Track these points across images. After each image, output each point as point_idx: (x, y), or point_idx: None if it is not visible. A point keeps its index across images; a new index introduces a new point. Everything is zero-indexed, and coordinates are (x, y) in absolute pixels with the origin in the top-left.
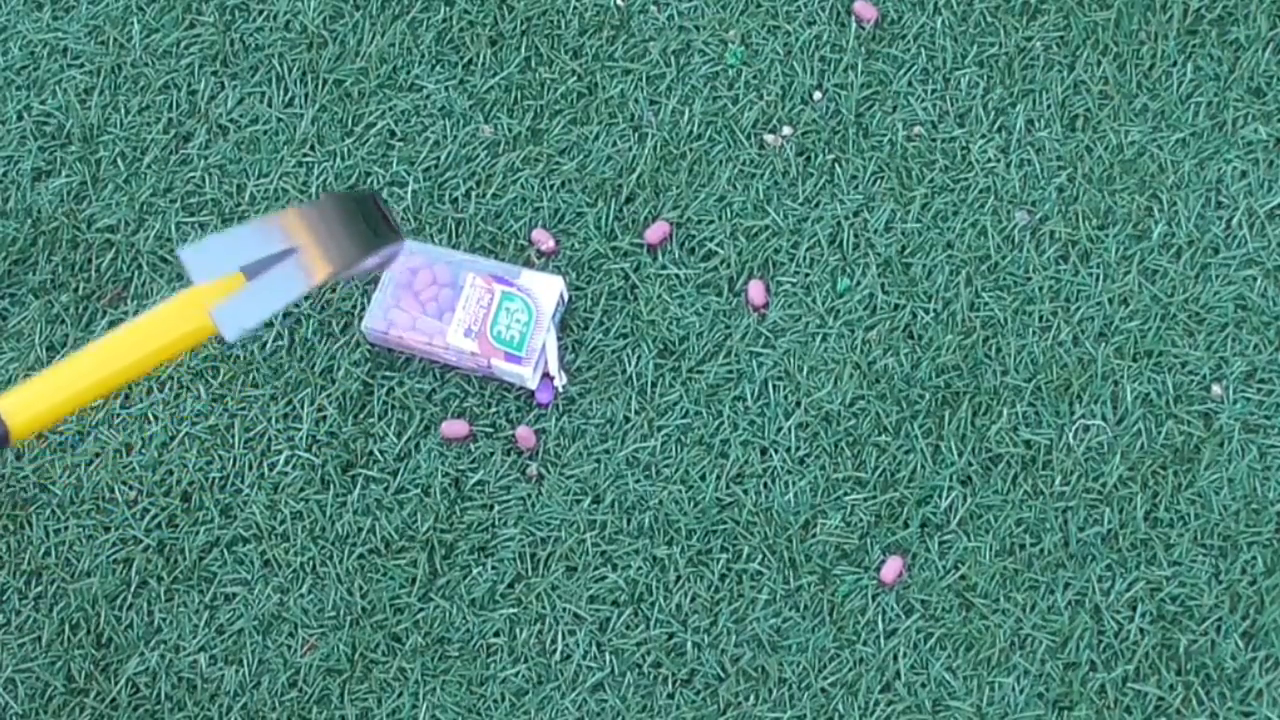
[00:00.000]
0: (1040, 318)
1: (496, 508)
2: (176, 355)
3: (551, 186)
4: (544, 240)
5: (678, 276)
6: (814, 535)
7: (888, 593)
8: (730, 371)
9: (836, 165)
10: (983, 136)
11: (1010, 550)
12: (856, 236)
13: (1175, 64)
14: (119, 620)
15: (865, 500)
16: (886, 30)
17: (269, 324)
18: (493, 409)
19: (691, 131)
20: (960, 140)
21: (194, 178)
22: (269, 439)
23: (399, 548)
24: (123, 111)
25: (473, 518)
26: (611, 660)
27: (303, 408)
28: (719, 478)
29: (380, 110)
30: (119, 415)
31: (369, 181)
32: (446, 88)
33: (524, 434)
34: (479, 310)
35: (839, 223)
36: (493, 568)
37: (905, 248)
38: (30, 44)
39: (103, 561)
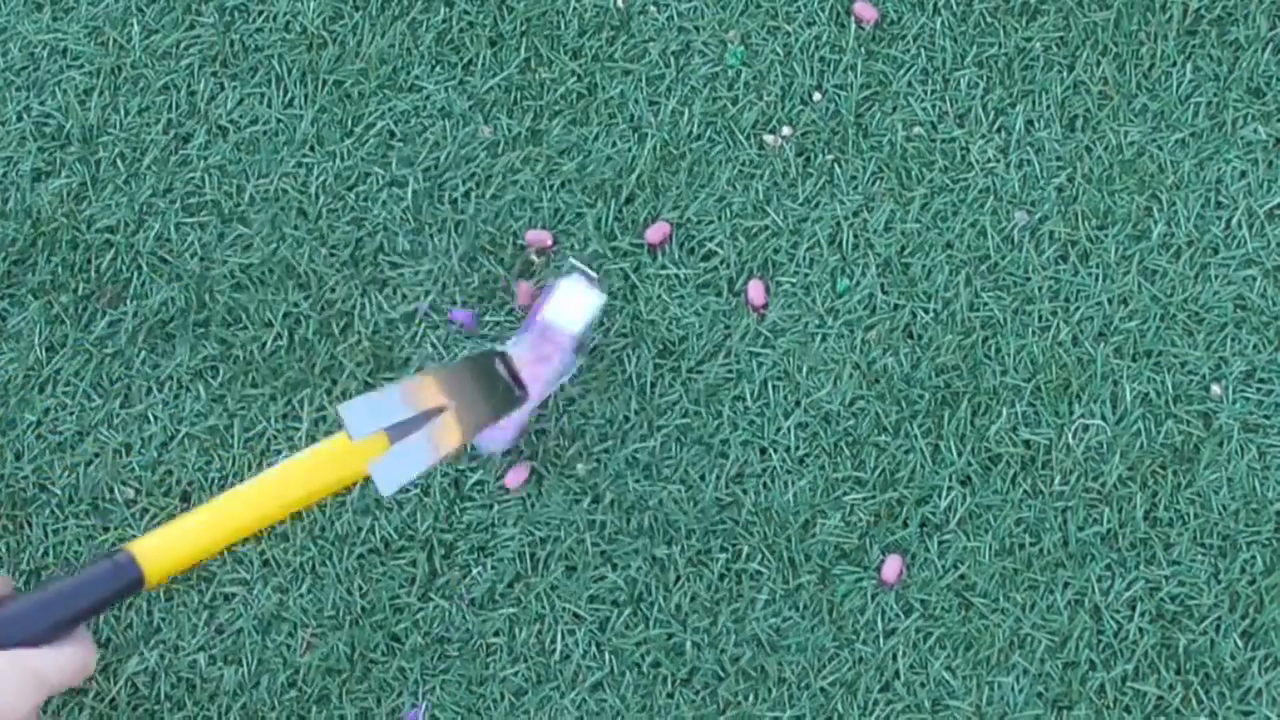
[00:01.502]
0: (1040, 318)
1: (496, 507)
2: (319, 500)
3: (551, 187)
4: (541, 240)
5: (677, 276)
6: (813, 535)
7: (887, 592)
8: (730, 371)
9: (836, 165)
10: (982, 137)
11: (1010, 550)
12: (856, 237)
13: (1175, 64)
14: (118, 620)
15: (865, 500)
16: (886, 31)
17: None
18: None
19: (691, 132)
20: (960, 140)
21: (194, 178)
22: (269, 439)
23: (398, 547)
24: (122, 112)
25: (472, 517)
26: (611, 660)
27: (302, 408)
28: (718, 477)
29: (380, 111)
30: (118, 415)
31: (369, 181)
32: (446, 88)
33: (514, 476)
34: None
35: (838, 223)
36: (492, 567)
37: (905, 248)
38: (30, 45)
39: None
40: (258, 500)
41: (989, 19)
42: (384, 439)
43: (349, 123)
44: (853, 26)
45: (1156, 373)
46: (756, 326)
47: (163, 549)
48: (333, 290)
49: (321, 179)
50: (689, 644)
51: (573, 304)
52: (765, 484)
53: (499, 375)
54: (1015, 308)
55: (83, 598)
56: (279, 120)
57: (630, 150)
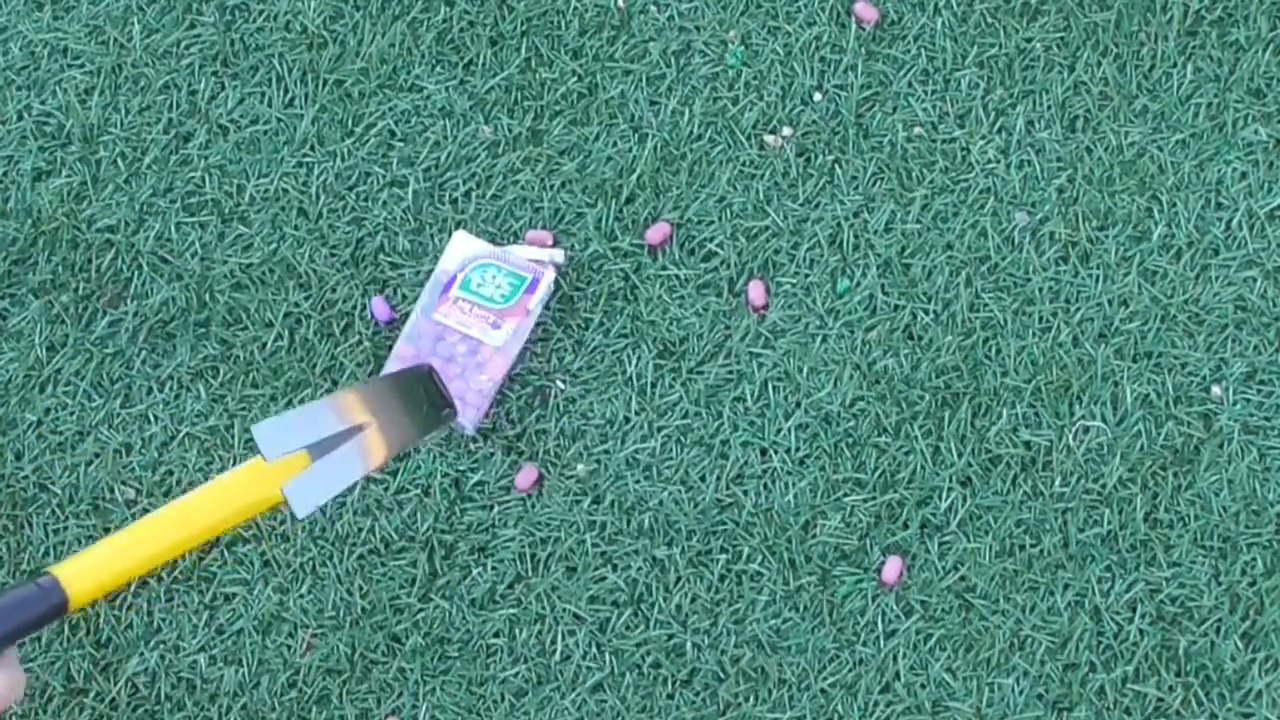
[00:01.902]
0: (1040, 319)
1: (496, 508)
2: (241, 523)
3: (551, 187)
4: (542, 240)
5: (678, 277)
6: (814, 536)
7: (887, 593)
8: (730, 372)
9: (836, 166)
10: (983, 137)
11: (1010, 551)
12: (856, 237)
13: (1175, 65)
14: (119, 620)
15: (865, 501)
16: (886, 31)
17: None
18: (493, 409)
19: (691, 132)
20: (960, 141)
21: (194, 178)
22: None
23: (399, 548)
24: (123, 111)
25: (472, 518)
26: (611, 661)
27: None
28: (719, 478)
29: (380, 110)
30: (119, 415)
31: (369, 181)
32: (446, 88)
33: (524, 477)
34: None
35: (839, 223)
36: (492, 568)
37: (905, 248)
38: (30, 44)
39: None
40: (180, 523)
41: (989, 19)
42: (305, 458)
43: (349, 122)
44: (853, 27)
45: (1157, 374)
46: (757, 327)
47: (86, 573)
48: (333, 290)
49: (322, 179)
50: (689, 645)
51: (459, 253)
52: (765, 485)
53: (424, 391)
54: (1015, 309)
55: (8, 621)
56: (279, 120)
57: (630, 150)
